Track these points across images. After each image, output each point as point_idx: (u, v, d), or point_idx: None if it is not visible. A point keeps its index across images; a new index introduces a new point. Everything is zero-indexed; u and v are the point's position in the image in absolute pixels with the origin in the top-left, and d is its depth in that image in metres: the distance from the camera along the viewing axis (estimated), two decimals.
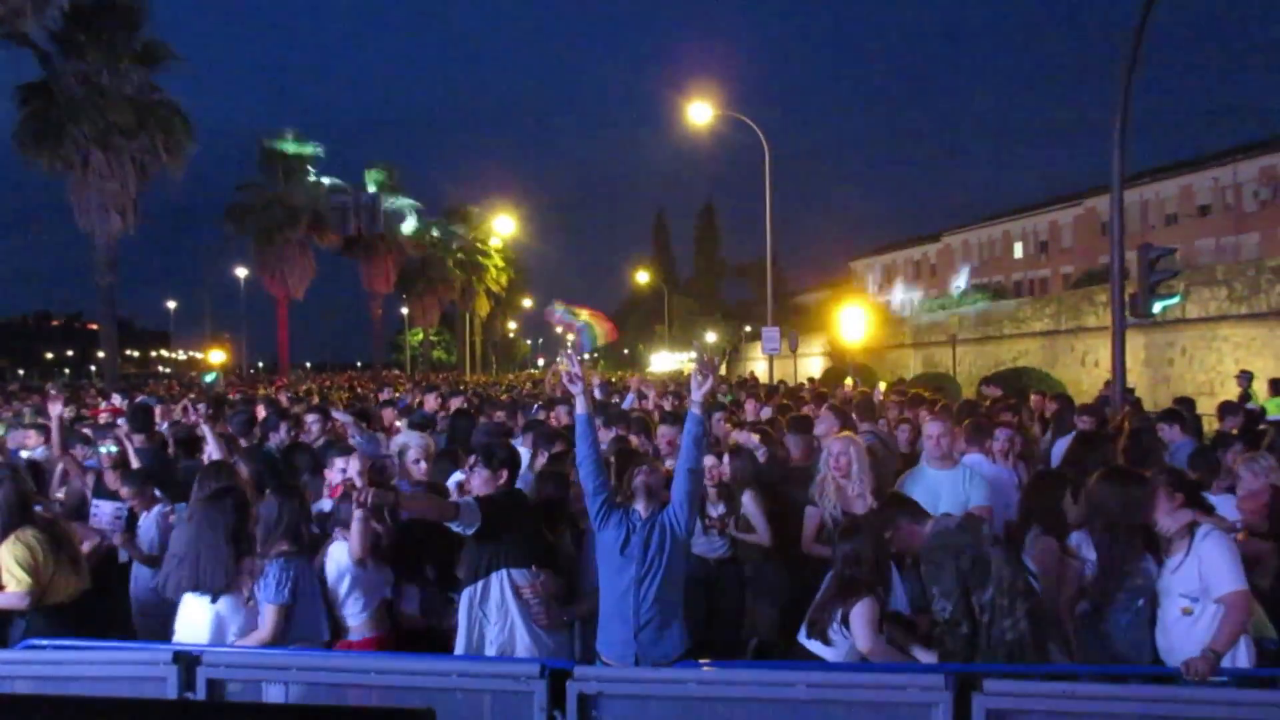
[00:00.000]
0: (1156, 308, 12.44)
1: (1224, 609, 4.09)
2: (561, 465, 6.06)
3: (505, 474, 5.13)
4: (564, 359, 5.19)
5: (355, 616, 4.90)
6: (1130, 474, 4.59)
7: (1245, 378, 16.90)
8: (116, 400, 12.73)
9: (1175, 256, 14.05)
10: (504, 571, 4.78)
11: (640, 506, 4.55)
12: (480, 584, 4.79)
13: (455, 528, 4.70)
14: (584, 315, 13.68)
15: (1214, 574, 4.16)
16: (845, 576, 4.40)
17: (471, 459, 5.45)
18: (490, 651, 4.72)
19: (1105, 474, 4.63)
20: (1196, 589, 4.21)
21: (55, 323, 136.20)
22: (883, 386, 11.31)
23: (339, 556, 4.92)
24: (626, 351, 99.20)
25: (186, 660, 3.71)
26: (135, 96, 30.26)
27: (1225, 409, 10.61)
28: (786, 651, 4.75)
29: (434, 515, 4.83)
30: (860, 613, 4.25)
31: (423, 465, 6.21)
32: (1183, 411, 9.11)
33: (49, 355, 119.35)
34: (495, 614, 4.79)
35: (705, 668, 4.04)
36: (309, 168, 48.97)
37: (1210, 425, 11.73)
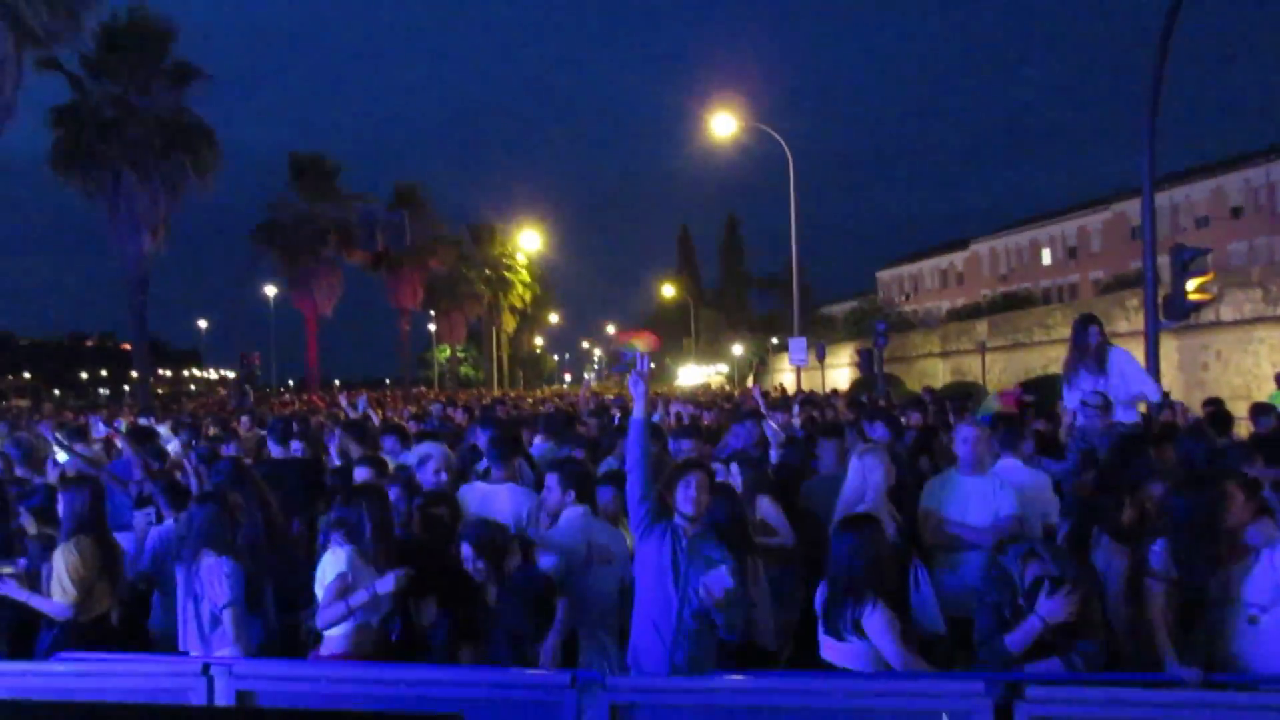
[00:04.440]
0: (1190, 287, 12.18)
1: None
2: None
3: None
4: (633, 359, 5.15)
5: (335, 628, 4.64)
6: (1208, 478, 4.41)
7: None
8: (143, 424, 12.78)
9: (1208, 258, 13.84)
10: None
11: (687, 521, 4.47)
12: None
13: None
14: (639, 344, 14.20)
15: None
16: (843, 578, 4.27)
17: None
18: None
19: (1183, 480, 4.45)
20: (1268, 599, 4.05)
21: (89, 343, 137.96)
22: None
23: (328, 564, 4.73)
24: (654, 365, 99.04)
25: (215, 671, 3.69)
26: (165, 117, 30.69)
27: (1256, 410, 10.34)
28: (807, 660, 4.64)
29: None
30: (877, 625, 4.12)
31: (443, 476, 6.19)
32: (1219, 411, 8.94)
33: (83, 375, 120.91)
34: None
35: (739, 677, 3.96)
36: (337, 183, 49.44)
37: (1243, 430, 11.47)
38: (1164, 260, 12.75)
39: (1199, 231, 45.43)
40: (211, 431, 11.64)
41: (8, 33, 22.97)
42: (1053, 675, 3.84)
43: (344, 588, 4.54)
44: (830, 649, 4.30)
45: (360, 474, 6.12)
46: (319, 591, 4.67)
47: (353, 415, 11.13)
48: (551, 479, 5.54)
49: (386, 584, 4.52)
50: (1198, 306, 13.37)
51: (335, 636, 4.63)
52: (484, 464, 6.80)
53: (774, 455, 6.85)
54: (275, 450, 7.92)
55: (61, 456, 8.93)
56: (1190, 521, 4.12)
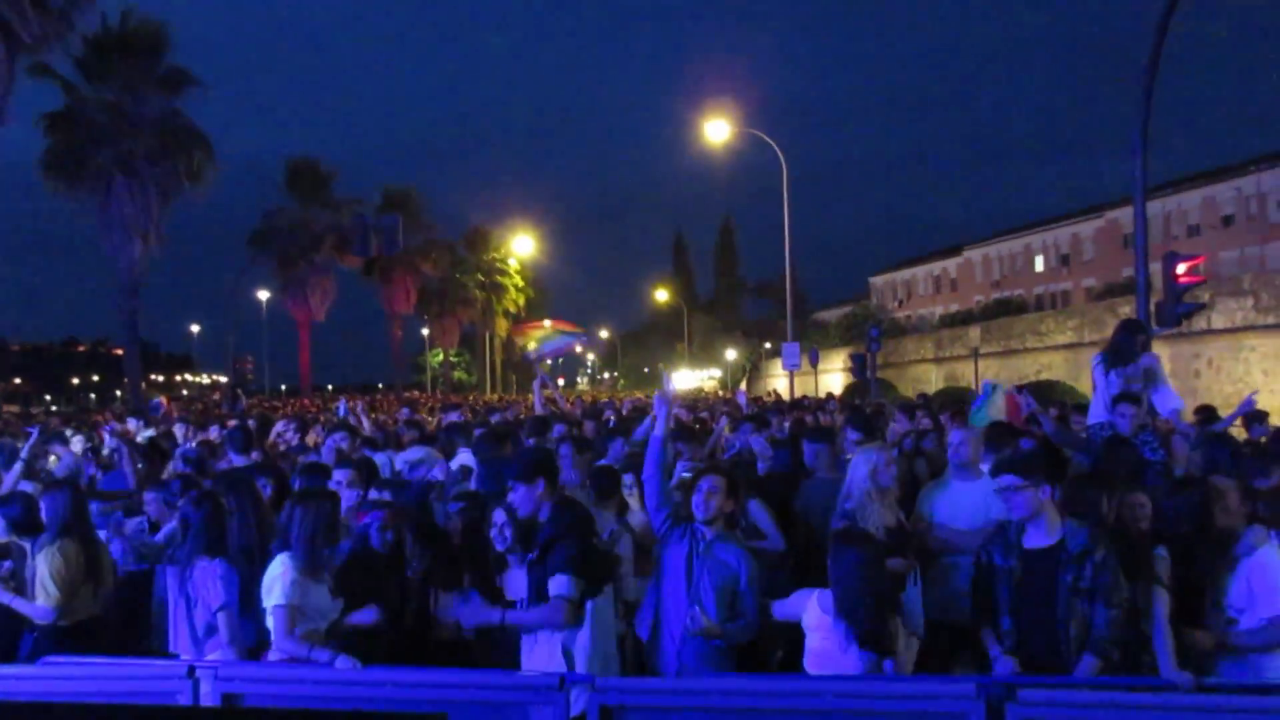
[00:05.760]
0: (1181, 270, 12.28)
1: (1269, 625, 4.02)
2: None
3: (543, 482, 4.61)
4: (662, 378, 5.21)
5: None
6: (1197, 480, 4.46)
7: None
8: (132, 424, 12.71)
9: (1200, 265, 13.86)
10: None
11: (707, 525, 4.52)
12: None
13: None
14: (549, 328, 13.79)
15: (1267, 590, 4.06)
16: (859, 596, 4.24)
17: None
18: None
19: (1176, 484, 4.50)
20: (1244, 602, 4.09)
21: (81, 348, 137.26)
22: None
23: (274, 580, 4.39)
24: (647, 370, 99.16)
25: (201, 674, 3.65)
26: (158, 122, 30.60)
27: (1250, 418, 10.36)
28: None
29: None
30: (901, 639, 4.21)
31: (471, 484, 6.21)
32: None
33: (75, 380, 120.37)
34: None
35: (730, 678, 3.94)
36: (331, 189, 49.46)
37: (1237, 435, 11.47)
38: (1156, 268, 12.77)
39: (1191, 240, 45.58)
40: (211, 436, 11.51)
41: None
42: (1044, 680, 3.82)
43: (294, 619, 4.21)
44: (828, 660, 4.20)
45: (339, 475, 6.07)
46: (264, 598, 4.36)
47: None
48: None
49: (367, 615, 4.43)
50: (1190, 314, 13.37)
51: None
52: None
53: (761, 467, 6.85)
54: (237, 459, 7.80)
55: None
56: (1183, 522, 4.14)
